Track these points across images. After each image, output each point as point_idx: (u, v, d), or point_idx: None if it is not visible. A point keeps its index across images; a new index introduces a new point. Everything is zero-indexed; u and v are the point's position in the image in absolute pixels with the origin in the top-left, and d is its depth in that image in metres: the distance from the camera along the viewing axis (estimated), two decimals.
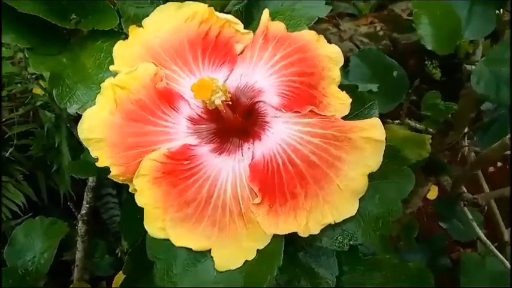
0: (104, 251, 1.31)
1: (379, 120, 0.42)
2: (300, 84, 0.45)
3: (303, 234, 0.40)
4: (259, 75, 0.46)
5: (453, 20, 0.66)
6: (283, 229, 0.40)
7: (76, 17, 0.50)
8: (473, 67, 0.73)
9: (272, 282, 0.39)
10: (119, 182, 0.46)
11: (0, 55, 0.44)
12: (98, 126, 0.44)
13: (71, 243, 1.21)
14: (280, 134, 0.43)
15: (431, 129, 0.98)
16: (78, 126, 0.44)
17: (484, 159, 0.76)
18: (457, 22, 0.66)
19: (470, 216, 0.84)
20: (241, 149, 0.43)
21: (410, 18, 1.79)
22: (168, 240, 0.42)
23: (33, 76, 1.13)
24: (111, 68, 0.46)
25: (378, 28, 1.74)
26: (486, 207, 0.91)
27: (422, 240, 1.37)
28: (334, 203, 0.41)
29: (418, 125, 0.95)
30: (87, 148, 0.93)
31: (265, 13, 0.48)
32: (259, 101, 0.45)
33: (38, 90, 1.37)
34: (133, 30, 0.48)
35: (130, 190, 0.46)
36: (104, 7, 0.49)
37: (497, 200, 1.02)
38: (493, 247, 0.85)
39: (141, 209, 0.74)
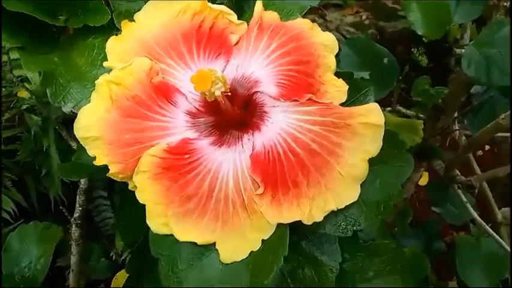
0: (100, 254, 1.29)
1: (377, 105, 0.42)
2: (297, 73, 0.45)
3: (307, 222, 0.40)
4: (255, 65, 0.46)
5: (442, 4, 0.67)
6: (288, 218, 0.40)
7: (65, 14, 0.49)
8: (463, 51, 0.73)
9: (277, 272, 0.39)
10: (118, 180, 0.45)
11: (0, 59, 0.43)
12: (94, 124, 0.43)
13: (65, 249, 1.19)
14: (280, 123, 0.43)
15: (421, 115, 0.99)
16: (74, 125, 0.43)
17: (477, 142, 0.77)
18: (446, 7, 0.67)
19: (464, 199, 0.85)
20: (241, 141, 0.43)
21: (396, 6, 1.80)
22: (171, 236, 0.42)
23: (19, 79, 1.11)
24: (105, 64, 0.45)
25: (364, 17, 1.74)
26: (477, 189, 0.93)
27: (416, 226, 1.39)
28: (336, 190, 0.41)
29: (408, 112, 0.96)
30: (77, 150, 0.92)
31: (259, 3, 0.48)
32: (257, 92, 0.45)
33: (23, 94, 1.34)
34: (125, 25, 0.47)
35: (130, 187, 0.45)
36: (94, 3, 0.48)
37: (488, 181, 1.04)
38: (488, 228, 0.86)
39: (138, 208, 0.74)
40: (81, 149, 0.88)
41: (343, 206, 0.41)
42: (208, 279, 0.41)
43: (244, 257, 0.40)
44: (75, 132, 0.44)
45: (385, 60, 0.85)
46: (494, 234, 0.84)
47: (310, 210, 0.40)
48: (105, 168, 0.87)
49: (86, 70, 0.47)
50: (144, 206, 0.72)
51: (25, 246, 0.80)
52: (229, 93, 0.43)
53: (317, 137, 0.41)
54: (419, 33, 0.67)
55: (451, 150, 1.16)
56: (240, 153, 0.42)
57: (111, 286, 1.14)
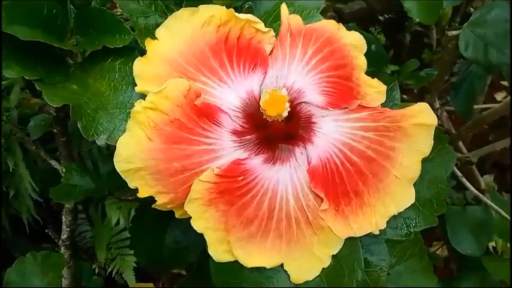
0: (90, 272, 1.23)
1: (427, 104, 0.42)
2: (338, 78, 0.44)
3: (375, 231, 0.40)
4: (295, 74, 0.44)
5: None
6: (358, 230, 0.39)
7: (74, 36, 0.44)
8: (452, 33, 0.75)
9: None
10: (164, 210, 0.42)
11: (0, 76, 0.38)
12: (136, 155, 0.40)
13: None
14: (333, 133, 0.42)
15: (404, 96, 1.01)
16: (114, 159, 0.40)
17: (483, 120, 0.81)
18: None
19: (460, 174, 0.89)
20: (294, 155, 0.42)
21: None
22: (231, 263, 0.40)
23: None
24: (137, 89, 0.42)
25: None
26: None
27: None
28: (394, 193, 0.41)
29: None
30: (66, 171, 0.86)
31: (284, 8, 0.46)
32: (301, 102, 0.44)
33: None
34: (149, 44, 0.43)
35: (177, 216, 0.43)
36: (111, 21, 0.43)
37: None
38: (482, 196, 0.91)
39: (152, 229, 0.71)
40: (69, 170, 0.83)
41: (403, 209, 0.41)
42: None
43: (316, 275, 0.39)
44: (116, 167, 0.40)
45: (373, 47, 0.86)
46: (488, 201, 0.88)
47: (375, 218, 0.40)
48: (98, 188, 0.82)
49: (111, 96, 0.43)
50: (158, 228, 0.69)
51: (26, 281, 0.75)
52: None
53: (372, 143, 0.41)
54: (417, 20, 0.68)
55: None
56: (296, 169, 0.41)
57: None
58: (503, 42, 0.64)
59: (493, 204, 0.83)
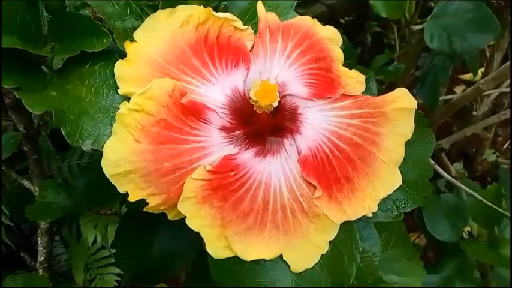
0: None
1: (406, 89, 0.43)
2: (319, 70, 0.45)
3: (369, 214, 0.41)
4: (278, 68, 0.45)
5: None
6: (352, 214, 0.40)
7: (49, 42, 0.43)
8: (416, 27, 0.78)
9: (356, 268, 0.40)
10: (157, 212, 0.42)
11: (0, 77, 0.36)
12: (124, 158, 0.39)
13: None
14: (319, 123, 0.42)
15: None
16: (102, 164, 0.39)
17: (455, 106, 0.84)
18: None
19: (432, 162, 0.92)
20: (284, 147, 0.42)
21: None
22: (230, 259, 0.40)
23: None
24: (120, 91, 0.41)
25: None
26: None
27: None
28: (382, 177, 0.42)
29: None
30: (40, 189, 0.83)
31: (261, 5, 0.47)
32: (286, 95, 0.44)
33: None
34: (128, 46, 0.43)
35: (170, 217, 0.42)
36: (88, 25, 0.43)
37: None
38: (455, 181, 0.94)
39: (137, 237, 0.69)
40: (44, 187, 0.80)
41: (391, 192, 0.42)
42: None
43: (315, 262, 0.40)
44: (104, 171, 0.39)
45: (342, 46, 0.88)
46: (463, 186, 0.91)
47: (367, 202, 0.41)
48: (74, 203, 0.80)
49: (92, 101, 0.42)
50: (144, 238, 0.68)
51: None
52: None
53: (357, 129, 0.42)
54: (383, 15, 0.70)
55: None
56: (287, 160, 0.42)
57: None
58: (465, 31, 0.68)
59: (467, 189, 0.86)
